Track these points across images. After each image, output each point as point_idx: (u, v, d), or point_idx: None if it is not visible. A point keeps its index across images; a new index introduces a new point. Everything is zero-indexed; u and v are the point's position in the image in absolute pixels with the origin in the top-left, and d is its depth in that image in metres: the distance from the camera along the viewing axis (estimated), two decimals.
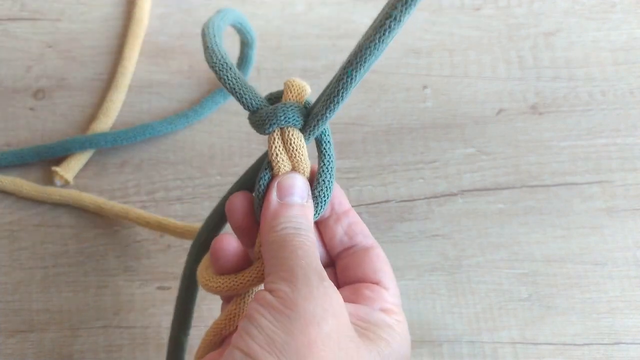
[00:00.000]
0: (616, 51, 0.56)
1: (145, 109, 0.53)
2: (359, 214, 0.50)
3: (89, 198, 0.50)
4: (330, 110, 0.34)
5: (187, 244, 0.49)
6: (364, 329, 0.34)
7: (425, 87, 0.55)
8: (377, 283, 0.37)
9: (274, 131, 0.35)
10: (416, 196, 0.51)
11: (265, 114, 0.35)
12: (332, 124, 0.40)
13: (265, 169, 0.36)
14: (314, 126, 0.35)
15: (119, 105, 0.53)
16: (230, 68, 0.37)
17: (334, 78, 0.34)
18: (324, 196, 0.36)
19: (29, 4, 0.56)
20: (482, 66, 0.55)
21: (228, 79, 0.37)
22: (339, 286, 0.37)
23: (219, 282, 0.37)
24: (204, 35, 0.38)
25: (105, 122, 0.52)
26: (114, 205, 0.49)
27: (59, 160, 0.51)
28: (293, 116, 0.35)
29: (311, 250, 0.33)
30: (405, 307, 0.48)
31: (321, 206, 0.36)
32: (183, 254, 0.49)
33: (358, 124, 0.53)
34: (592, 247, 0.50)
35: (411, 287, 0.48)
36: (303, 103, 0.36)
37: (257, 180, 0.36)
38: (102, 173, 0.51)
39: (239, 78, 0.36)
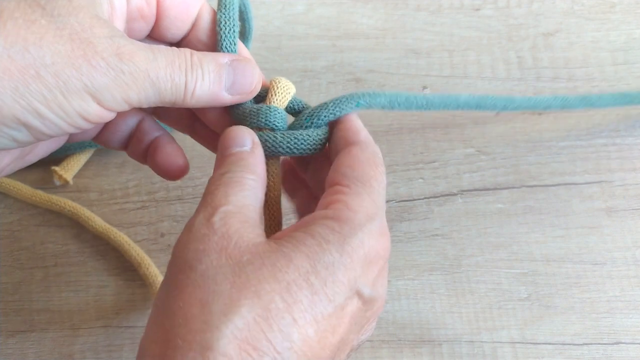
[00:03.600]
0: (615, 51, 0.56)
1: None
2: None
3: (86, 213, 0.50)
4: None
5: None
6: (294, 231, 0.30)
7: (425, 87, 0.55)
8: (337, 183, 0.33)
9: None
10: (416, 196, 0.51)
11: (249, 111, 0.36)
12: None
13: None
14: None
15: None
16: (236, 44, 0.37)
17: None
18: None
19: None
20: (481, 66, 0.55)
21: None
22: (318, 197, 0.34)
23: None
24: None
25: None
26: (106, 226, 0.49)
27: (59, 160, 0.51)
28: (274, 119, 0.36)
29: (224, 187, 0.32)
30: (405, 307, 0.48)
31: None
32: None
33: None
34: (591, 246, 0.50)
35: (411, 287, 0.48)
36: (286, 105, 0.37)
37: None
38: (102, 173, 0.51)
39: None
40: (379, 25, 0.56)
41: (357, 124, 0.37)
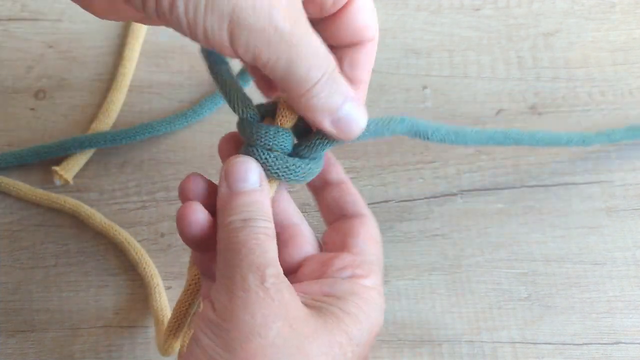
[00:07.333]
0: (615, 51, 0.56)
1: (145, 109, 0.53)
2: None
3: (89, 212, 0.50)
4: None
5: None
6: (329, 304, 0.32)
7: (425, 87, 0.55)
8: (349, 249, 0.35)
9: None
10: (416, 196, 0.51)
11: (265, 132, 0.34)
12: None
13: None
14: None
15: (120, 106, 0.53)
16: (226, 62, 0.36)
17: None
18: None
19: (30, 4, 0.56)
20: (481, 66, 0.55)
21: (220, 74, 0.35)
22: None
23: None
24: None
25: (106, 123, 0.52)
26: (106, 223, 0.49)
27: (59, 160, 0.51)
28: (284, 142, 0.34)
29: (258, 243, 0.31)
30: (405, 307, 0.48)
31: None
32: (183, 253, 0.49)
33: None
34: (591, 246, 0.50)
35: (410, 287, 0.48)
36: (294, 123, 0.35)
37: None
38: (102, 173, 0.52)
39: (232, 77, 0.35)
40: (379, 25, 0.56)
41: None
